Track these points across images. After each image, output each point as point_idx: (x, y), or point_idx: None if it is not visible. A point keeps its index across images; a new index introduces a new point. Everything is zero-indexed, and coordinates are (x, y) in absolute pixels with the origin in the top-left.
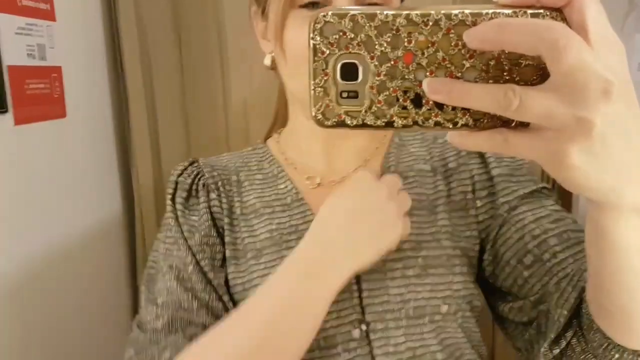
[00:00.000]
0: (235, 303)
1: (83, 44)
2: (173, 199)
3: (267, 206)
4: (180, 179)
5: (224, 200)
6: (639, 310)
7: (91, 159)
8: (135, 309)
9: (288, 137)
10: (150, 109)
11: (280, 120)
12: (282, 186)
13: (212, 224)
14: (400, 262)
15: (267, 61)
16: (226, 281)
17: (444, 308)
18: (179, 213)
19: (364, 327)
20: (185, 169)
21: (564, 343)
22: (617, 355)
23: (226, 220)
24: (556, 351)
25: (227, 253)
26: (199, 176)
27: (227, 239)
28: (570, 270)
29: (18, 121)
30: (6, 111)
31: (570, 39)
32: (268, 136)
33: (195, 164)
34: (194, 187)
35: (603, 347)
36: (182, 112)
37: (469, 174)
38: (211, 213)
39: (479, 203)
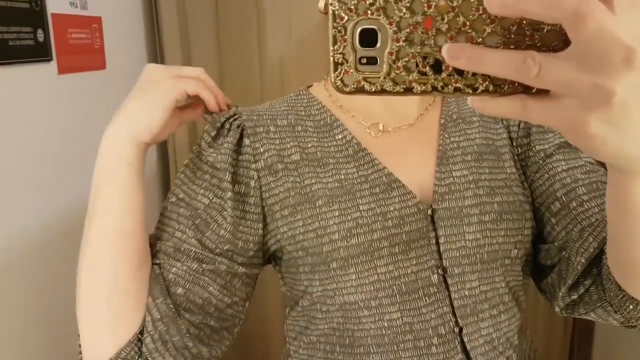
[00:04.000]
0: (303, 250)
1: None
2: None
3: (329, 157)
4: (214, 116)
5: (264, 145)
6: None
7: None
8: None
9: None
10: (185, 63)
11: None
12: (339, 136)
13: (232, 170)
14: (477, 207)
15: (321, 4)
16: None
17: (514, 252)
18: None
19: (441, 272)
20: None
21: (582, 290)
22: (631, 307)
23: (261, 165)
24: (574, 296)
25: (291, 200)
26: (234, 116)
27: (281, 188)
28: (594, 220)
29: (62, 70)
30: (51, 59)
31: (591, 6)
32: None
33: (233, 109)
34: (226, 125)
35: (618, 297)
36: (217, 67)
37: (514, 121)
38: (237, 159)
39: (519, 150)
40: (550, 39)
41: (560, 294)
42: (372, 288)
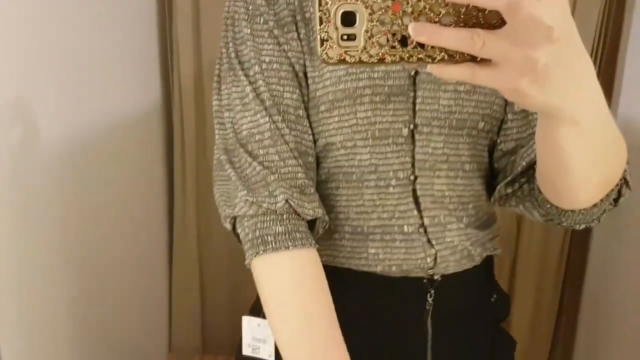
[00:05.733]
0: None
1: None
2: None
3: None
4: None
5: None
6: (563, 188)
7: (136, 39)
8: (170, 190)
9: None
10: (194, 7)
11: None
12: None
13: (292, 19)
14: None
15: None
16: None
17: (481, 125)
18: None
19: (412, 127)
20: None
21: (517, 185)
22: (548, 206)
23: (299, 17)
24: (509, 190)
25: (304, 48)
26: None
27: (301, 35)
28: None
29: None
30: None
31: None
32: None
33: None
34: None
35: (540, 197)
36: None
37: None
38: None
39: None
40: (491, 18)
41: (499, 187)
42: (350, 131)
